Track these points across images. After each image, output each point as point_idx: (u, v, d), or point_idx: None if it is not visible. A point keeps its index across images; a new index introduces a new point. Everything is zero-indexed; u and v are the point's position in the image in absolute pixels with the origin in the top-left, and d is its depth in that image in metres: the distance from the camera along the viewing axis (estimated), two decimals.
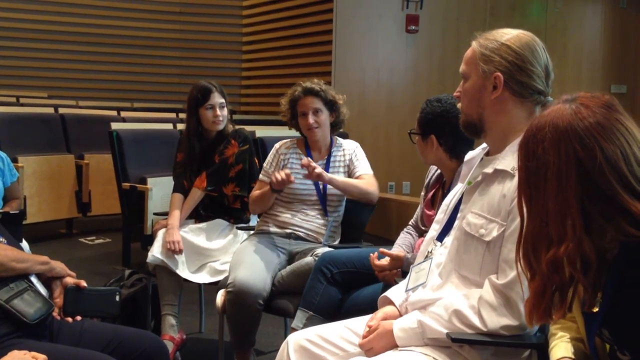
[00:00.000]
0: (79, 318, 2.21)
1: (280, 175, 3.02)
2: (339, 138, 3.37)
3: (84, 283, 2.26)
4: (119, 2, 9.41)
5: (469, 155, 2.05)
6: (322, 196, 3.21)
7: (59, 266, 2.27)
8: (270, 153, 3.37)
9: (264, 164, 3.35)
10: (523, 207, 1.44)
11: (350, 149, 3.30)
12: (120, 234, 5.26)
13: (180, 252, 3.32)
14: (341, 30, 7.54)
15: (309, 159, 3.10)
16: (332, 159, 3.27)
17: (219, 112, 3.50)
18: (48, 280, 2.25)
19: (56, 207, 6.05)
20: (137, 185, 4.75)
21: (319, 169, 3.02)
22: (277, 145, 3.37)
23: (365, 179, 3.20)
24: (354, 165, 3.25)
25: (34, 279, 2.18)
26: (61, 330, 2.14)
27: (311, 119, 3.20)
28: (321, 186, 3.20)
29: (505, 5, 8.18)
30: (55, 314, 2.17)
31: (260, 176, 3.32)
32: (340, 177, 3.15)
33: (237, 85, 9.67)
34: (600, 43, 8.81)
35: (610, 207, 1.32)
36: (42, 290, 2.19)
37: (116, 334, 2.17)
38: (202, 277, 3.39)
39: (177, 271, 3.33)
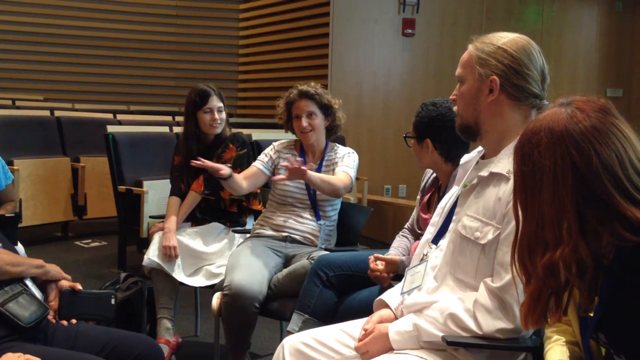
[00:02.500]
0: (74, 321, 2.20)
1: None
2: (337, 144, 3.37)
3: (79, 286, 2.26)
4: (116, 5, 9.41)
5: (465, 158, 2.05)
6: (313, 200, 3.21)
7: (54, 269, 2.26)
8: (268, 147, 3.37)
9: (260, 155, 3.36)
10: (519, 211, 1.44)
11: (342, 153, 3.30)
12: (116, 237, 5.26)
13: (176, 257, 3.32)
14: (338, 33, 7.56)
15: (297, 159, 3.04)
16: (324, 163, 3.27)
17: (217, 115, 3.50)
18: (43, 283, 2.25)
19: (52, 210, 6.03)
20: (133, 188, 4.74)
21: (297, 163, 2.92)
22: (275, 143, 3.39)
23: (339, 176, 3.15)
24: (337, 165, 3.24)
25: (29, 283, 2.18)
26: (56, 334, 2.14)
27: (304, 122, 3.21)
28: (312, 190, 3.21)
29: (501, 9, 8.21)
30: (50, 317, 2.17)
31: (256, 163, 3.33)
32: (316, 174, 3.06)
33: (233, 88, 9.67)
34: (596, 47, 8.84)
35: (606, 211, 1.32)
36: (37, 293, 2.18)
37: (111, 337, 2.16)
38: (198, 281, 3.39)
39: (173, 274, 3.33)
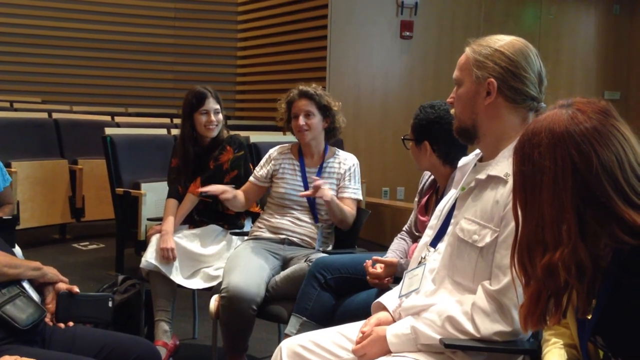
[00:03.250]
0: (71, 324, 2.20)
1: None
2: (338, 149, 3.37)
3: (76, 289, 2.26)
4: (114, 7, 9.40)
5: (463, 161, 2.05)
6: (311, 202, 3.21)
7: (51, 272, 2.26)
8: (264, 158, 3.38)
9: (256, 168, 3.36)
10: (518, 212, 1.44)
11: (347, 164, 3.28)
12: (114, 240, 5.25)
13: (173, 259, 3.32)
14: (336, 36, 7.56)
15: (319, 180, 3.06)
16: (324, 168, 3.27)
17: (213, 117, 3.49)
18: (40, 285, 2.24)
19: (49, 213, 6.03)
20: (131, 190, 4.74)
21: (320, 183, 3.01)
22: (271, 150, 3.39)
23: (348, 205, 3.20)
24: (344, 184, 3.24)
25: (26, 285, 2.17)
26: (53, 336, 2.13)
27: (301, 121, 3.21)
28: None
29: (499, 12, 8.21)
30: (47, 319, 2.16)
31: (250, 178, 3.34)
32: (337, 200, 3.13)
33: (231, 90, 9.67)
34: (594, 49, 8.85)
35: (605, 213, 1.32)
36: (35, 295, 2.18)
37: (109, 339, 2.16)
38: (196, 283, 3.38)
39: (171, 277, 3.32)
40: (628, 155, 1.34)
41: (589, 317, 1.39)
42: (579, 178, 1.33)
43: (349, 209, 3.18)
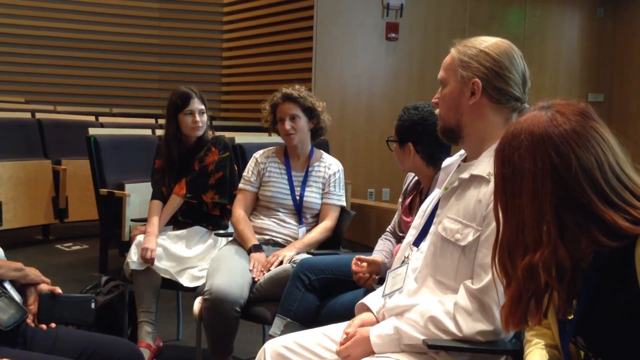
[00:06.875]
0: (53, 325, 2.18)
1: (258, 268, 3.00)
2: (324, 153, 3.37)
3: (58, 290, 2.24)
4: (99, 7, 9.35)
5: (447, 161, 2.06)
6: (297, 206, 3.21)
7: (33, 273, 2.24)
8: (250, 162, 3.37)
9: (244, 173, 3.34)
10: (499, 214, 1.45)
11: (333, 169, 3.29)
12: (98, 241, 5.21)
13: (151, 261, 3.28)
14: (322, 37, 7.56)
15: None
16: (310, 172, 3.27)
17: (198, 118, 3.48)
18: (22, 286, 2.22)
19: (32, 213, 5.98)
20: (115, 191, 4.71)
21: (279, 258, 3.01)
22: (256, 154, 3.38)
23: (329, 215, 3.21)
24: (329, 190, 3.25)
25: (7, 286, 2.15)
26: (35, 338, 2.11)
27: (287, 125, 3.21)
28: (297, 196, 3.21)
29: (484, 14, 8.25)
30: (29, 320, 2.14)
31: (241, 185, 3.32)
32: (310, 242, 3.14)
33: (217, 91, 9.65)
34: (578, 52, 8.91)
35: (584, 215, 1.32)
36: (16, 296, 2.16)
37: (91, 341, 2.14)
38: (183, 281, 3.36)
39: (158, 265, 3.29)
40: (608, 157, 1.35)
41: (570, 318, 1.40)
42: (559, 180, 1.33)
43: (322, 228, 3.19)
